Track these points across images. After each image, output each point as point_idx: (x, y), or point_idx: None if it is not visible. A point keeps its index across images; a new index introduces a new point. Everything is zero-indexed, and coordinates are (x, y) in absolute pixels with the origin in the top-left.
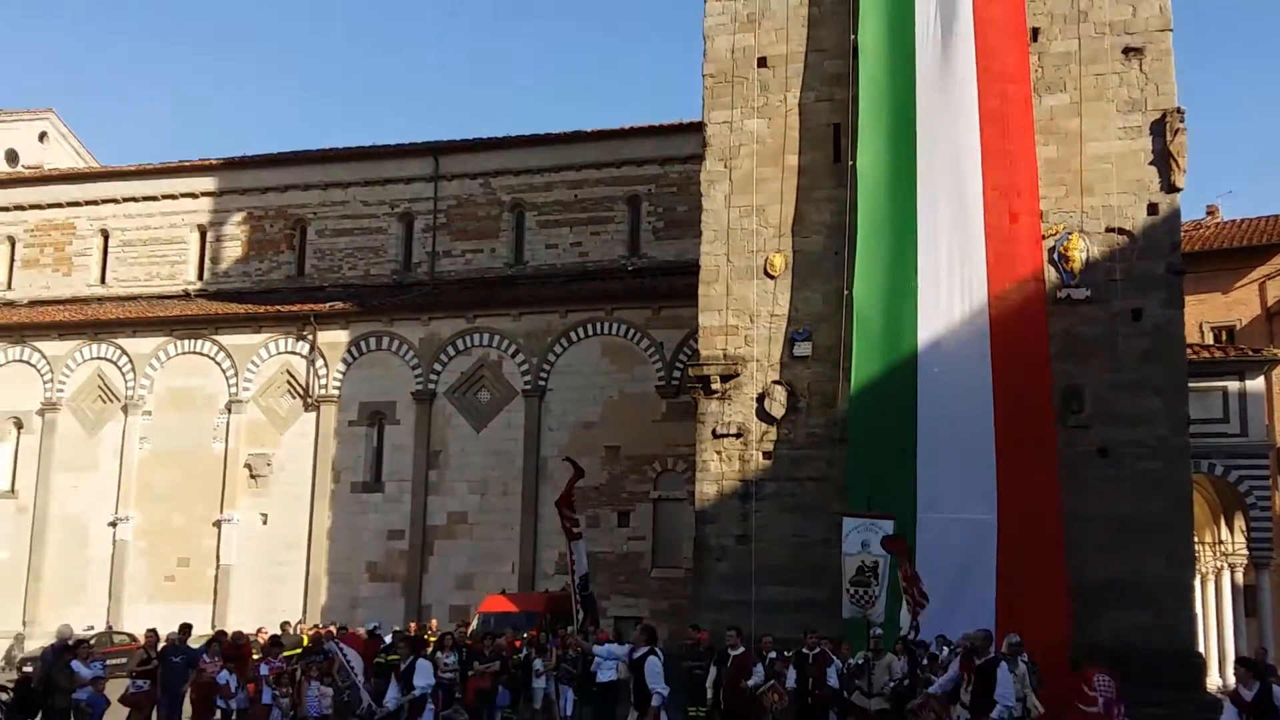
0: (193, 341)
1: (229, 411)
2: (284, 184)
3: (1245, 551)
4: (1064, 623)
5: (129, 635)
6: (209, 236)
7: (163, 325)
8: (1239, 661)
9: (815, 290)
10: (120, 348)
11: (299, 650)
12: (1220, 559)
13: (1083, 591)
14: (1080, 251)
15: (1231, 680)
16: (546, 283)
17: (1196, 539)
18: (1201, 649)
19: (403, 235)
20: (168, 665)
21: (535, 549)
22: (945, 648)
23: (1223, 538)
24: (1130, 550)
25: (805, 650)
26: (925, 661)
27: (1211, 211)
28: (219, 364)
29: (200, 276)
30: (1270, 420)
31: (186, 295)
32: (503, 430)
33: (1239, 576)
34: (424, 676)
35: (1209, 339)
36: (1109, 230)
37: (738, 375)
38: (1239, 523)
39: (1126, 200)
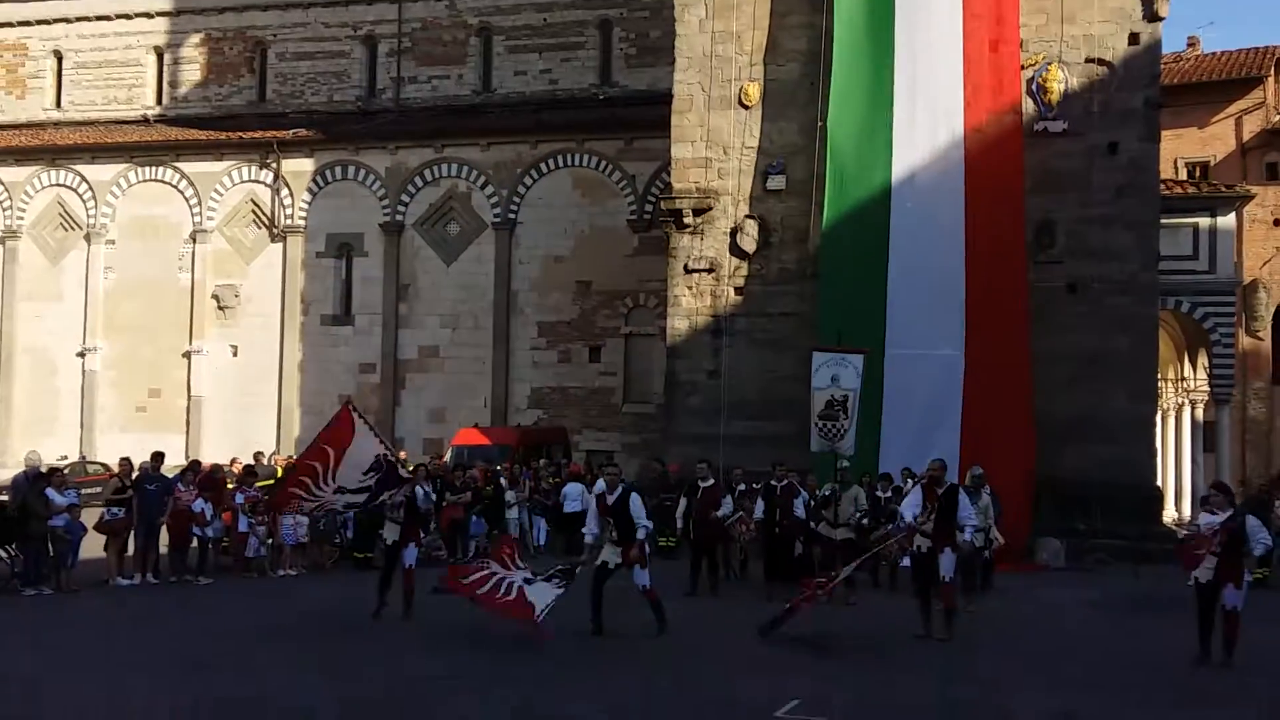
0: (154, 169)
1: (194, 241)
2: (242, 3)
3: (1207, 388)
4: (1027, 456)
5: (102, 465)
6: (166, 59)
7: (122, 151)
8: (1214, 485)
9: (790, 121)
10: (80, 174)
11: (273, 481)
12: (1182, 395)
13: (1046, 426)
14: (1059, 83)
15: (1187, 513)
16: (515, 111)
17: (1160, 375)
18: (1160, 483)
19: (366, 60)
20: (143, 493)
21: (507, 383)
22: (910, 480)
23: (1185, 374)
24: (1094, 386)
25: (773, 483)
26: (890, 494)
27: (1192, 43)
28: (181, 192)
29: (159, 101)
30: (1239, 258)
31: (145, 120)
32: (473, 263)
33: (1199, 412)
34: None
35: (1183, 175)
36: (1089, 61)
37: (710, 209)
38: (1202, 360)
39: (1108, 30)
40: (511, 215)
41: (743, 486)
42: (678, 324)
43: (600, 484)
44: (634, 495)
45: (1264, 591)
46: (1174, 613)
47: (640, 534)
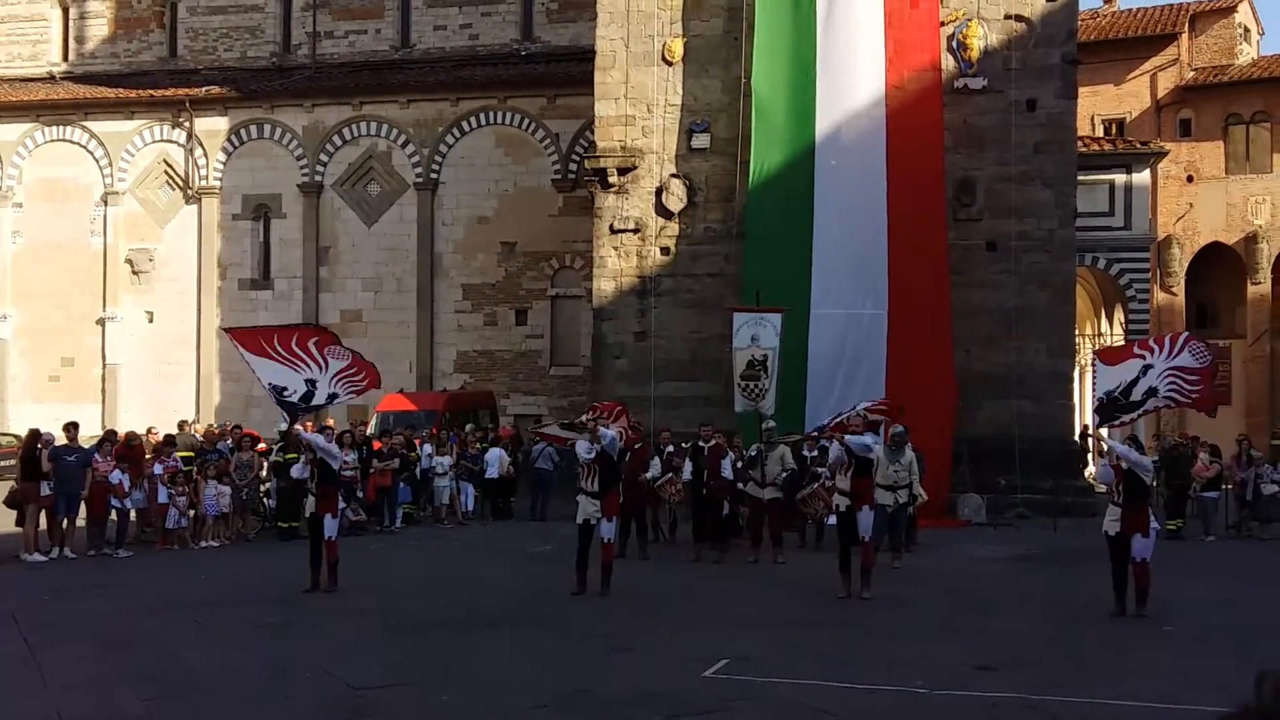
0: (61, 128)
1: (105, 204)
2: None
3: (1123, 343)
4: (949, 413)
5: (14, 436)
6: (72, 14)
7: (28, 110)
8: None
9: (713, 79)
10: None
11: (193, 453)
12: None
13: (967, 382)
14: (979, 39)
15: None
16: (435, 68)
17: (1077, 331)
18: (1076, 438)
19: (281, 14)
20: (61, 465)
21: (432, 347)
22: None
23: (1102, 330)
24: (1014, 342)
25: (701, 443)
26: (815, 453)
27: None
28: (91, 152)
29: (65, 58)
30: (1154, 214)
31: (51, 78)
32: (395, 224)
33: None
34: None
35: (1100, 132)
36: (1008, 17)
37: (635, 168)
38: (1118, 315)
39: None
40: (434, 175)
41: (671, 448)
42: (604, 285)
43: (608, 432)
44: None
45: (1178, 543)
46: (1092, 565)
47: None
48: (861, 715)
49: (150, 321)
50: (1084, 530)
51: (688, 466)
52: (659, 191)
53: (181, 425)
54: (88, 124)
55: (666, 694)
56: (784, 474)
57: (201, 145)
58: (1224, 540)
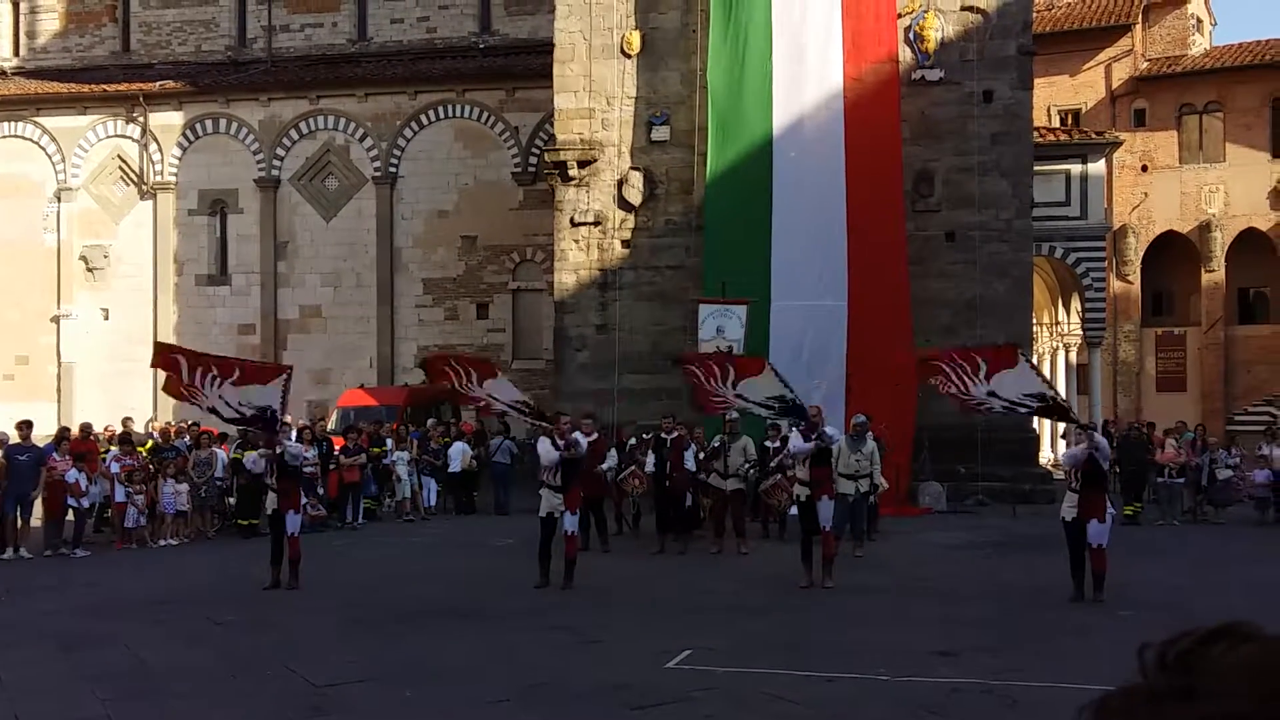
0: (12, 124)
1: (58, 200)
2: None
3: (1080, 332)
4: (909, 403)
5: None
6: (23, 7)
7: None
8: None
9: (672, 71)
10: None
11: (148, 447)
12: (1056, 339)
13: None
14: (935, 31)
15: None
16: (392, 61)
17: (1035, 320)
18: (1036, 426)
19: (235, 7)
20: (14, 465)
21: (393, 342)
22: (794, 429)
23: (1059, 318)
24: (972, 331)
25: (663, 435)
26: (779, 444)
27: None
28: (43, 148)
29: (16, 53)
30: (1109, 203)
31: (2, 74)
32: (353, 219)
33: (1073, 356)
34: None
35: (1055, 122)
36: (964, 9)
37: (595, 161)
38: (1075, 304)
39: None
40: (392, 169)
41: (633, 440)
42: (565, 278)
43: (583, 440)
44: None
45: (1135, 529)
46: (1051, 551)
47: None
48: (824, 703)
49: (106, 319)
50: (1043, 517)
51: (650, 458)
52: (619, 184)
53: (126, 421)
54: (40, 119)
55: (630, 686)
56: (746, 465)
57: (156, 140)
58: (1181, 525)
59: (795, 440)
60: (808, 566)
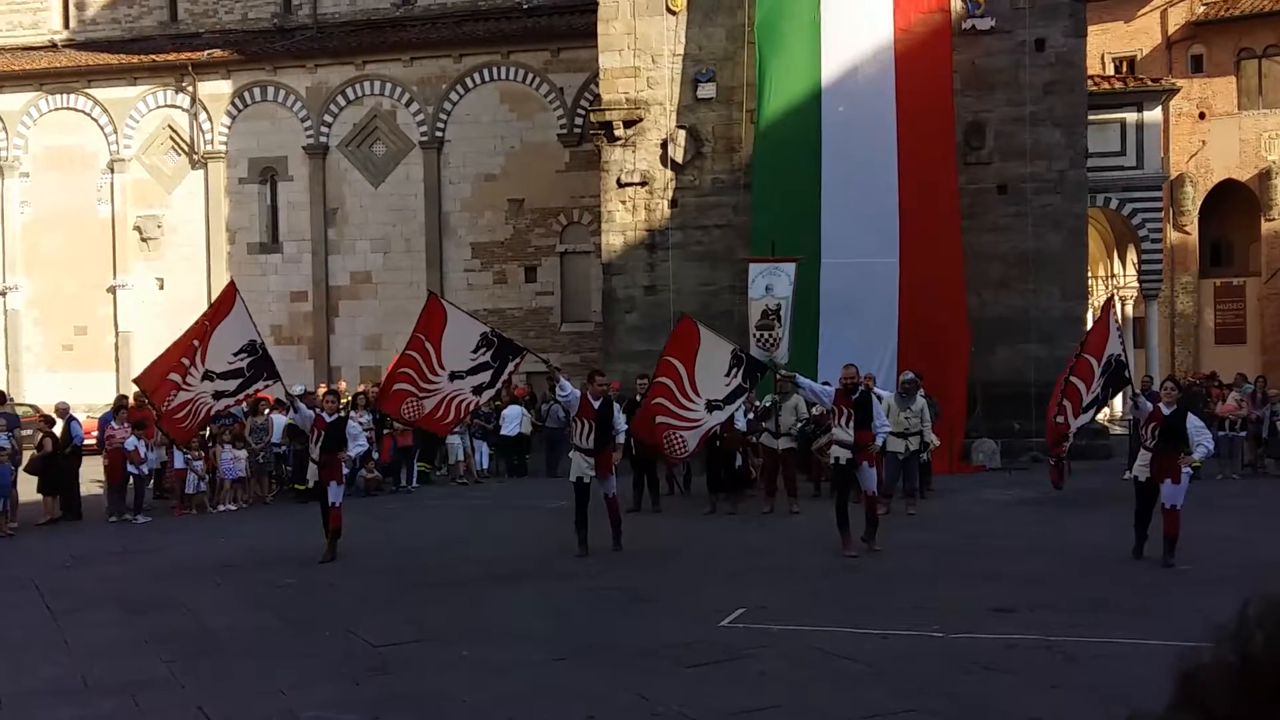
0: (65, 96)
1: (112, 171)
2: None
3: (1136, 284)
4: (962, 359)
5: (31, 406)
6: None
7: (31, 79)
8: (1169, 379)
9: (718, 26)
10: None
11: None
12: (1112, 291)
13: (979, 327)
14: None
15: (1119, 410)
16: (437, 24)
17: (1090, 273)
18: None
19: None
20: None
21: None
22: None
23: (1115, 271)
24: (1026, 285)
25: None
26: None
27: None
28: (95, 120)
29: (66, 25)
30: (1165, 153)
31: (53, 46)
32: (401, 184)
33: (1129, 309)
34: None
35: (1110, 70)
36: None
37: (641, 120)
38: (1131, 255)
39: None
40: (439, 133)
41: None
42: (613, 240)
43: (569, 388)
44: (615, 405)
45: (1195, 483)
46: (1107, 508)
47: (619, 439)
48: (878, 659)
49: (161, 288)
50: (1098, 474)
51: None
52: (665, 144)
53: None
54: (91, 91)
55: (684, 644)
56: (799, 424)
57: (205, 109)
58: (1242, 478)
59: (823, 394)
60: (845, 534)
